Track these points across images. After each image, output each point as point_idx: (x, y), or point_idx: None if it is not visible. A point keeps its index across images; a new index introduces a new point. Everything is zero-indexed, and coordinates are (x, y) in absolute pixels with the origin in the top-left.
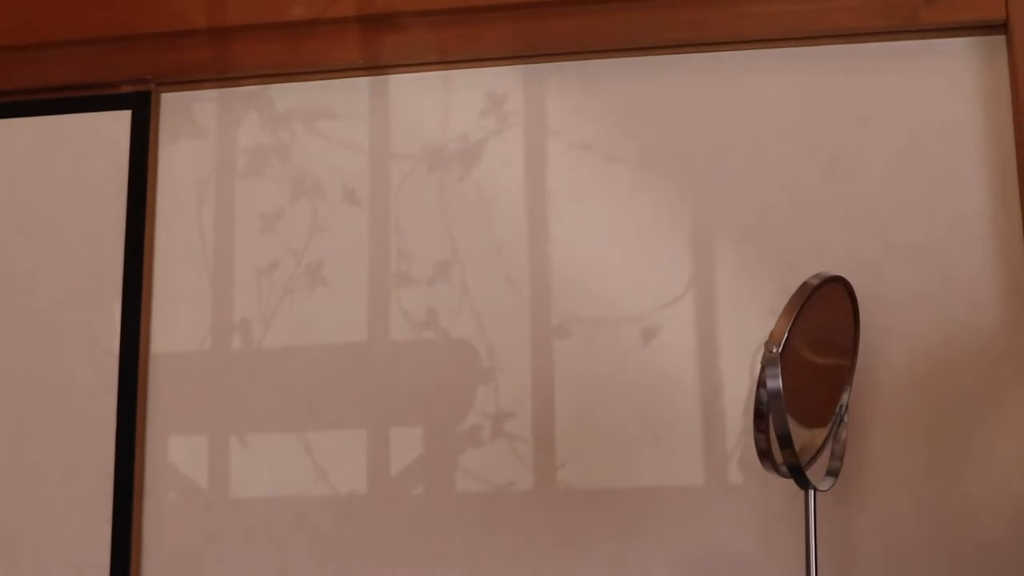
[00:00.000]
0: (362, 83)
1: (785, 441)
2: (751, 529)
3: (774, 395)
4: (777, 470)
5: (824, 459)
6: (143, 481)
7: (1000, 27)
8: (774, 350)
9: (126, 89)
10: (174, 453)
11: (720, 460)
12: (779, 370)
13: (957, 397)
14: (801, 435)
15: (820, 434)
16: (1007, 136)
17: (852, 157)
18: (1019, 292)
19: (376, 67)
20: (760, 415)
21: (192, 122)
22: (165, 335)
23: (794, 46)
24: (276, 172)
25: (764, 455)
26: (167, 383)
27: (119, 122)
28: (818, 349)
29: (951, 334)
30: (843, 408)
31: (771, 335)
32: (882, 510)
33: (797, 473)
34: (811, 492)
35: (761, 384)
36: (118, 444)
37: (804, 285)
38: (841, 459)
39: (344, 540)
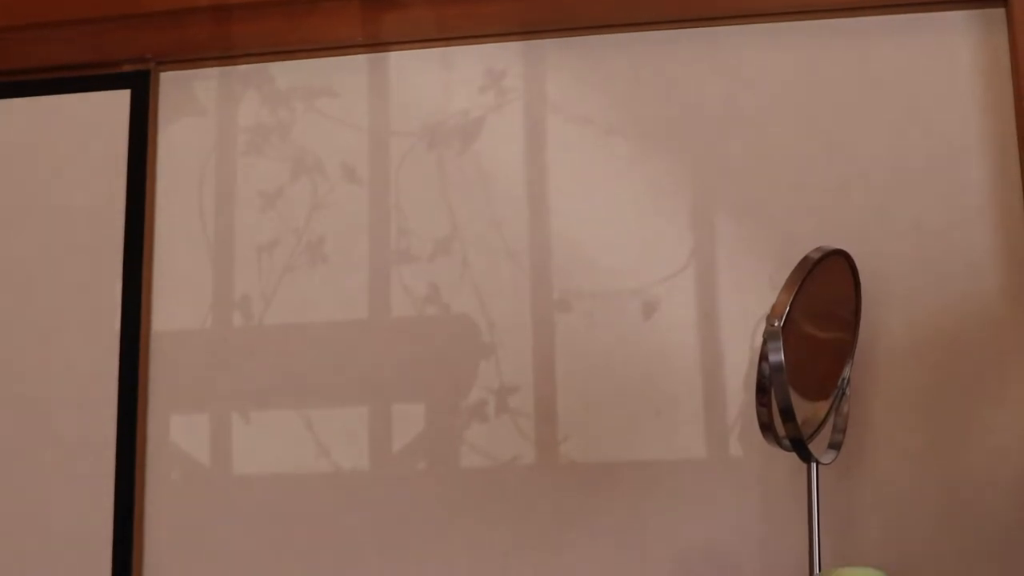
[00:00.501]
0: (362, 60)
1: (788, 414)
2: (752, 502)
3: (776, 369)
4: (780, 443)
5: (826, 432)
6: (145, 459)
7: (1000, 0)
8: (776, 324)
9: (126, 68)
10: (176, 431)
11: (721, 433)
12: (781, 344)
13: (958, 370)
14: (803, 408)
15: (822, 407)
16: (1007, 109)
17: (852, 130)
18: (1019, 265)
19: (376, 44)
20: (763, 389)
21: (192, 101)
22: (166, 313)
23: (794, 20)
24: (276, 150)
25: (766, 428)
26: (168, 361)
27: (119, 101)
28: (820, 322)
29: (952, 307)
30: (845, 381)
31: (773, 309)
32: (883, 483)
33: (799, 446)
34: (813, 465)
35: (763, 358)
36: (120, 422)
37: (805, 259)
38: (843, 432)
39: (346, 517)
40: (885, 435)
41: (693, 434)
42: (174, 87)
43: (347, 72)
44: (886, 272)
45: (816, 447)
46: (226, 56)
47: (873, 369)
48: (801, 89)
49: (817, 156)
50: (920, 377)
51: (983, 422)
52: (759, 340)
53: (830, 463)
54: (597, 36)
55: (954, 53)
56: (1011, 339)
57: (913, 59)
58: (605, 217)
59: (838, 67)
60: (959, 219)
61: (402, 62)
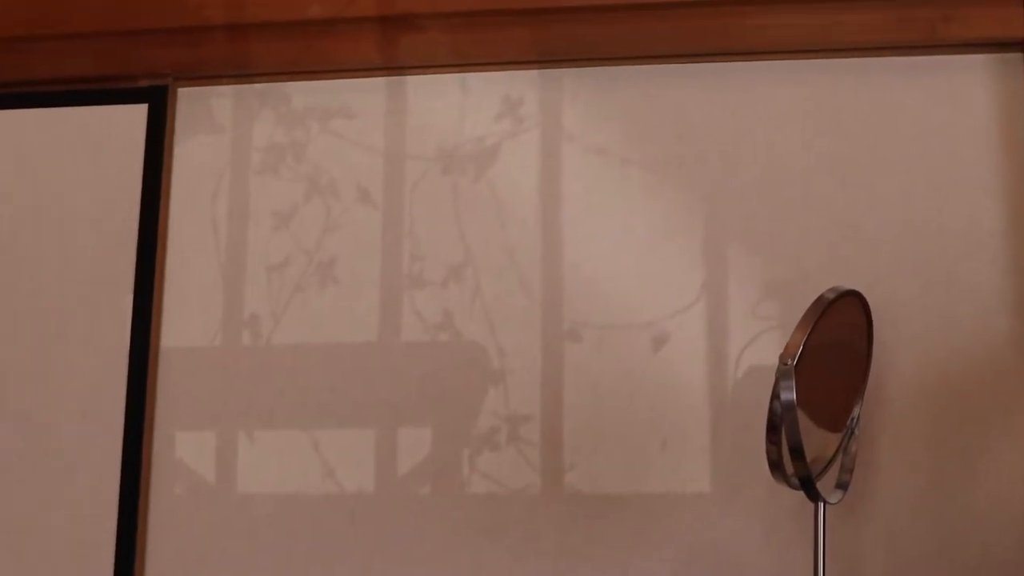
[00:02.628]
0: (378, 83)
1: (797, 453)
2: (757, 538)
3: (787, 407)
4: (788, 482)
5: (833, 472)
6: (150, 475)
7: (1017, 45)
8: (789, 362)
9: (143, 83)
10: (182, 447)
11: (727, 468)
12: (793, 383)
13: (964, 411)
14: (812, 447)
15: (831, 446)
16: (1021, 153)
17: (865, 170)
18: None
19: (393, 67)
20: (773, 427)
21: (208, 118)
22: (175, 329)
23: (810, 58)
24: (291, 170)
25: (775, 467)
26: (176, 377)
27: (135, 115)
28: (831, 362)
29: (960, 348)
30: (854, 421)
31: (786, 348)
32: (888, 522)
33: (808, 485)
34: (821, 505)
35: (775, 396)
36: (126, 437)
37: (820, 298)
38: (851, 472)
39: (350, 538)
40: (890, 474)
41: (699, 468)
42: (191, 103)
43: (363, 94)
44: (895, 311)
45: (823, 486)
46: (243, 74)
47: (879, 408)
48: (815, 126)
49: (830, 193)
50: (926, 417)
51: (988, 466)
52: (768, 376)
53: (837, 503)
54: (613, 67)
55: (970, 96)
56: (1017, 381)
57: (929, 101)
58: (618, 248)
59: (853, 106)
60: (970, 263)
61: (419, 86)
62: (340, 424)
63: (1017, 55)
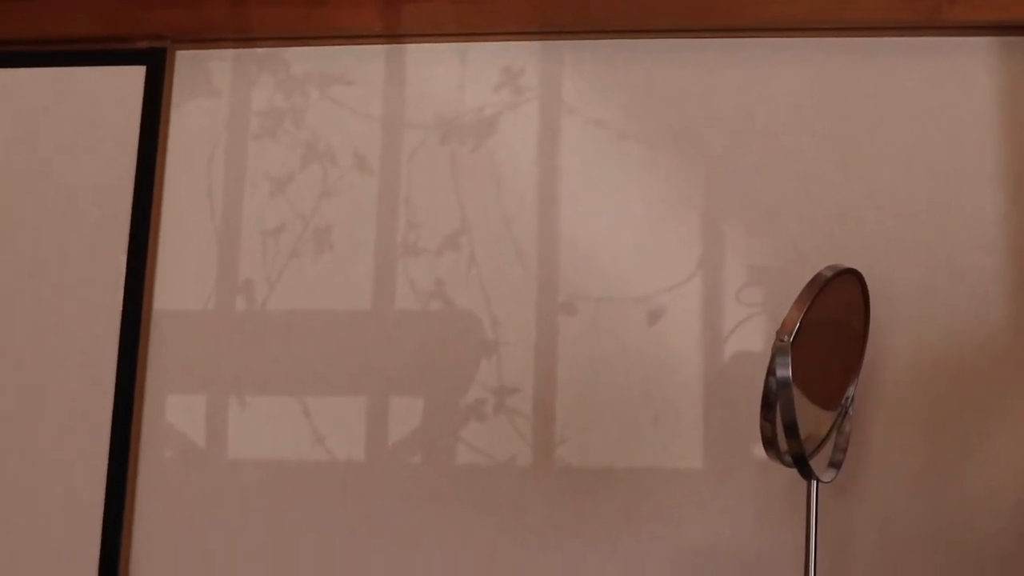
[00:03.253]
0: (379, 51)
1: (792, 431)
2: (747, 515)
3: (783, 384)
4: (781, 459)
5: (827, 451)
6: (140, 436)
7: (1021, 28)
8: (785, 339)
9: (142, 45)
10: (172, 411)
11: (719, 445)
12: (789, 359)
13: (959, 394)
14: (806, 425)
15: (824, 425)
16: (1022, 138)
17: (866, 150)
18: None
19: (394, 35)
20: (768, 404)
21: (206, 81)
22: (169, 292)
23: (815, 36)
24: (288, 135)
25: (769, 444)
26: (169, 340)
27: (134, 77)
28: (828, 340)
29: (957, 331)
30: (849, 400)
31: (783, 324)
32: (880, 503)
33: (802, 463)
34: (814, 483)
35: (771, 372)
36: (117, 399)
37: (818, 276)
38: (844, 451)
39: (339, 505)
40: (883, 455)
41: (691, 444)
42: (189, 66)
43: (363, 61)
44: (893, 293)
45: (816, 465)
46: (243, 38)
47: (875, 389)
48: (817, 105)
49: (830, 173)
50: (921, 399)
51: (982, 448)
52: (762, 353)
53: (830, 481)
54: (615, 40)
55: (973, 78)
56: (1013, 366)
57: (931, 82)
58: (615, 222)
59: (856, 85)
60: (969, 246)
61: (419, 55)
62: (332, 392)
63: (1021, 39)
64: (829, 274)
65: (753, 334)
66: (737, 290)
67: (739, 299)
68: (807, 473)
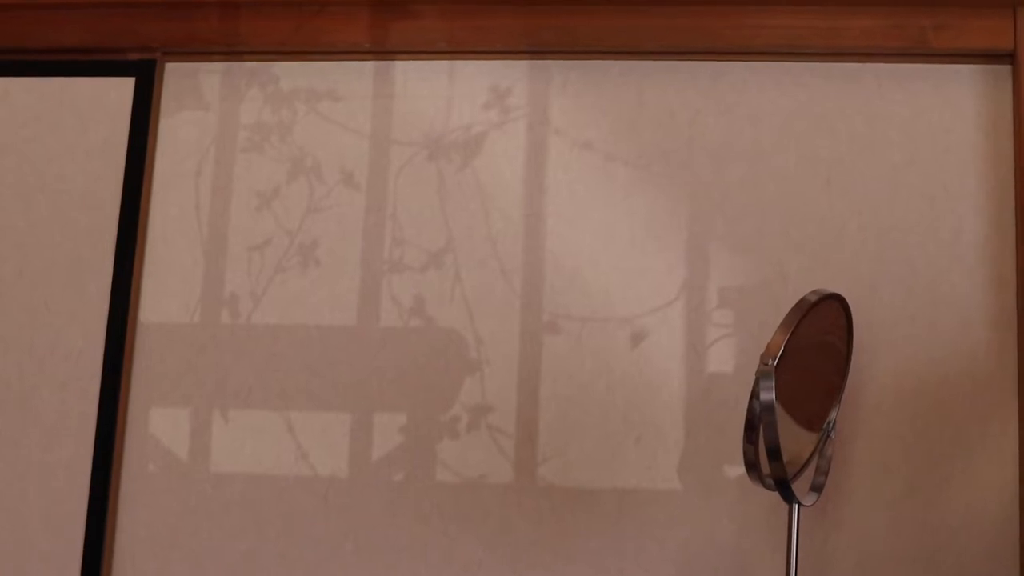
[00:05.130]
0: (367, 67)
1: (774, 454)
2: (727, 537)
3: (767, 408)
4: (763, 482)
5: (808, 474)
6: (123, 450)
7: (1007, 57)
8: (770, 363)
9: (132, 56)
10: (155, 423)
11: (700, 466)
12: (773, 383)
13: (940, 418)
14: (788, 449)
15: (806, 448)
16: (1007, 164)
17: (851, 174)
18: (1008, 318)
19: (382, 52)
20: (751, 426)
21: (195, 94)
22: (154, 304)
23: (801, 60)
24: (276, 150)
25: (751, 467)
26: (153, 353)
27: (123, 89)
28: (811, 364)
29: (939, 355)
30: (831, 424)
31: (767, 348)
32: (861, 526)
33: (784, 487)
34: (795, 506)
35: (754, 396)
36: (100, 411)
37: (802, 300)
38: (826, 475)
39: (321, 521)
40: (864, 478)
41: (672, 464)
42: (178, 79)
43: (352, 77)
44: (875, 316)
45: (798, 488)
46: (232, 52)
47: (856, 412)
48: (802, 128)
49: (814, 196)
50: (904, 426)
51: (962, 472)
52: (745, 376)
53: (811, 505)
54: (603, 61)
55: (958, 105)
56: (994, 391)
57: (916, 108)
58: (600, 243)
59: (841, 109)
60: (951, 270)
61: (408, 72)
62: (316, 407)
63: (1006, 67)
64: (814, 299)
65: (735, 356)
66: (721, 312)
67: (723, 321)
68: (789, 497)
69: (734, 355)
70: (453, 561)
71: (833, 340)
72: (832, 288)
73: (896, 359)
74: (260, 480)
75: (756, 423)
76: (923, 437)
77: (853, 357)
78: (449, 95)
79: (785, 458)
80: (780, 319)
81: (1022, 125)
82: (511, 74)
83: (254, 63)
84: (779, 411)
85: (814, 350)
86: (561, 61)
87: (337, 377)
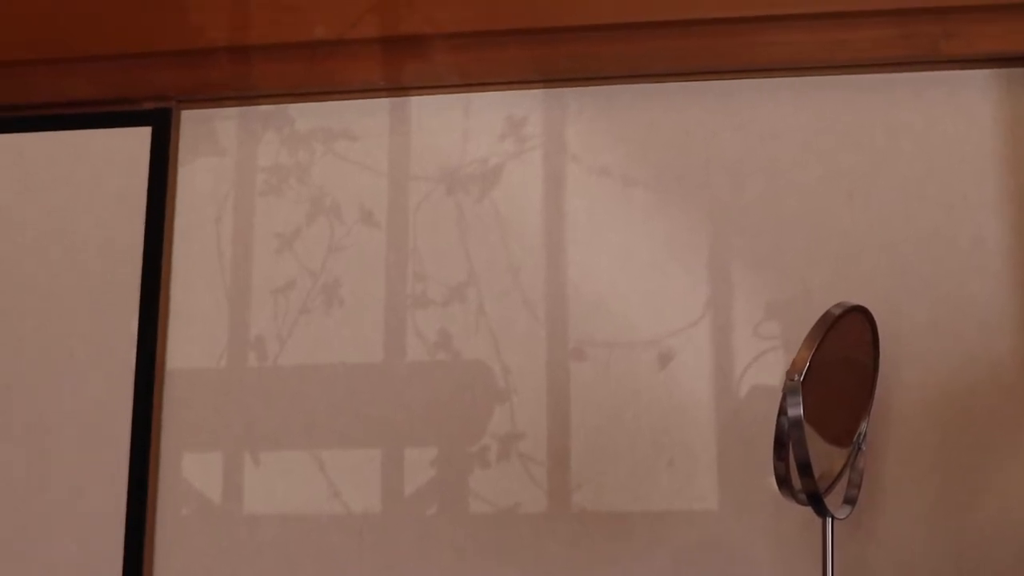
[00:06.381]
0: (382, 104)
1: (805, 469)
2: (764, 555)
3: (795, 423)
4: (795, 497)
5: (840, 487)
6: (156, 496)
7: (1020, 60)
8: (796, 378)
9: (147, 106)
10: (188, 468)
11: (734, 485)
12: (800, 398)
13: (971, 427)
14: (819, 463)
15: (838, 462)
16: None
17: (869, 186)
18: None
19: (396, 88)
20: (781, 443)
21: (212, 140)
22: (181, 351)
23: (813, 75)
24: (294, 191)
25: (783, 482)
26: (182, 399)
27: (139, 138)
28: (838, 378)
29: (965, 364)
30: (861, 436)
31: (793, 363)
32: (895, 538)
33: (816, 501)
34: (829, 520)
35: (782, 412)
36: (132, 458)
37: (827, 314)
38: (859, 487)
39: (357, 559)
40: (897, 490)
41: (706, 485)
42: (194, 126)
43: (367, 116)
44: (900, 328)
45: (831, 502)
46: (247, 96)
47: (886, 424)
48: (819, 143)
49: (834, 210)
50: (932, 433)
51: (994, 482)
52: (774, 392)
53: (845, 518)
54: (617, 87)
55: (973, 111)
56: (1021, 400)
57: (933, 116)
58: (622, 267)
59: (857, 122)
60: (974, 277)
61: (422, 107)
62: (346, 444)
63: (1020, 70)
64: (838, 312)
65: (764, 372)
66: (747, 329)
67: (749, 338)
68: (822, 511)
69: (763, 372)
70: None
71: (859, 352)
72: (856, 301)
73: (923, 369)
74: (293, 520)
75: (785, 439)
76: (953, 446)
77: (880, 369)
78: (465, 128)
79: (816, 473)
80: (805, 334)
81: None
82: (525, 104)
83: (269, 106)
84: (808, 426)
85: (840, 365)
86: (574, 88)
87: (366, 414)
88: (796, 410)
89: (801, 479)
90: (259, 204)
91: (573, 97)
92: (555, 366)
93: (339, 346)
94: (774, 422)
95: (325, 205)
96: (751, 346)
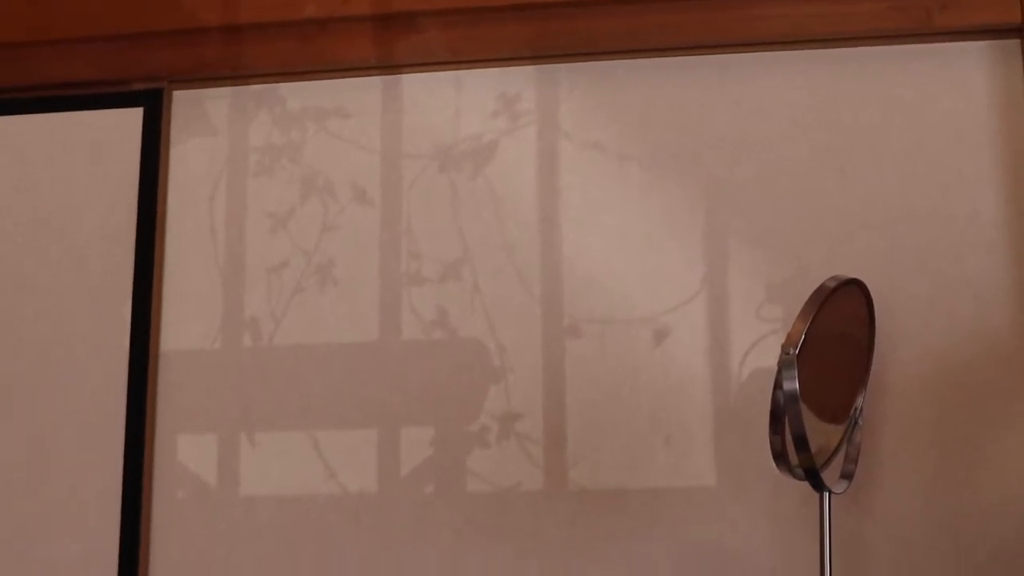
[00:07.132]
0: (374, 82)
1: (801, 444)
2: (762, 531)
3: (790, 397)
4: (792, 472)
5: (837, 462)
6: (152, 479)
7: (1015, 31)
8: (791, 352)
9: (139, 86)
10: (183, 451)
11: (731, 461)
12: (796, 372)
13: (968, 401)
14: (816, 438)
15: (835, 437)
16: (1020, 140)
17: (864, 160)
18: None
19: (389, 66)
20: (776, 417)
21: (204, 120)
22: (175, 332)
23: (806, 48)
24: (287, 171)
25: (779, 457)
26: (177, 381)
27: (131, 119)
28: (834, 352)
29: (962, 338)
30: (858, 411)
31: (788, 337)
32: (893, 513)
33: (813, 475)
34: (826, 495)
35: (777, 386)
36: (127, 441)
37: (821, 287)
38: (855, 462)
39: (354, 540)
40: (894, 465)
41: (703, 461)
42: (186, 106)
43: (359, 94)
44: (896, 302)
45: (828, 477)
46: (238, 76)
47: (882, 398)
48: (813, 117)
49: (829, 184)
50: (929, 408)
51: (991, 456)
52: (770, 367)
53: (842, 492)
54: (610, 62)
55: (968, 83)
56: (1018, 374)
57: (926, 89)
58: (617, 244)
59: (851, 95)
60: (970, 252)
61: (415, 85)
62: (342, 425)
63: (1014, 41)
64: (832, 285)
65: (760, 348)
66: (742, 305)
67: (744, 313)
68: (819, 485)
69: (759, 347)
70: (488, 571)
71: (855, 326)
72: (852, 276)
73: (919, 343)
74: (290, 501)
75: (781, 413)
76: (950, 421)
77: (876, 343)
78: (457, 105)
79: (813, 447)
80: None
81: None
82: (518, 80)
83: (260, 85)
84: (804, 401)
85: (836, 339)
86: (567, 64)
87: (362, 393)
88: (791, 384)
89: (797, 453)
90: (252, 184)
91: (566, 73)
92: (551, 343)
93: (334, 325)
94: (769, 397)
95: (318, 184)
96: (747, 323)
